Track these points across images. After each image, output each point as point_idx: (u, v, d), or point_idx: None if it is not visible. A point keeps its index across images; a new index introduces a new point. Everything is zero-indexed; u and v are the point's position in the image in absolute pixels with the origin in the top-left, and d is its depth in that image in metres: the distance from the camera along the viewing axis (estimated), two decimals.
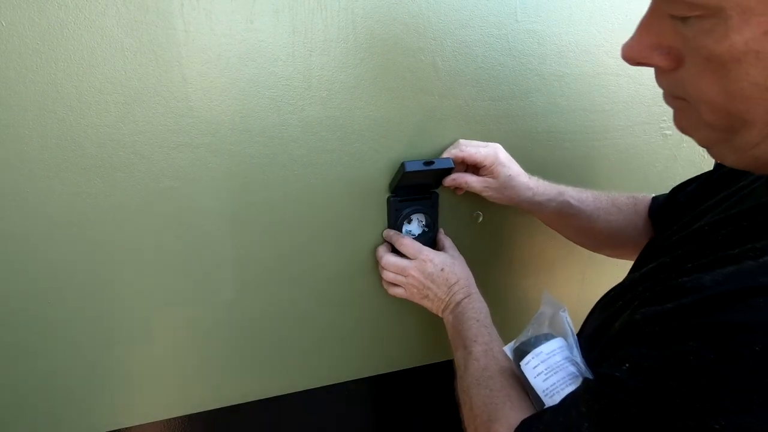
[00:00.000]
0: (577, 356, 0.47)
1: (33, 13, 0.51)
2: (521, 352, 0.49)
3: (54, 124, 0.55)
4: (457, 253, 0.73)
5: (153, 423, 0.71)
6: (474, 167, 0.72)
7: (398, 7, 0.64)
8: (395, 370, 0.84)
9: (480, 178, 0.71)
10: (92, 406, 0.67)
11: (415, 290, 0.70)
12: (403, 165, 0.67)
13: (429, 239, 0.75)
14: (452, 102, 0.71)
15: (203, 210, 0.64)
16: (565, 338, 0.48)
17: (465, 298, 0.66)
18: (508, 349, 0.52)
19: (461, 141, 0.72)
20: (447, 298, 0.68)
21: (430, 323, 0.79)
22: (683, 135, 0.40)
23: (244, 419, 0.78)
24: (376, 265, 0.75)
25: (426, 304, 0.71)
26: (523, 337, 0.50)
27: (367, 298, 0.77)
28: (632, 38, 0.37)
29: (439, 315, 0.69)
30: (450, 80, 0.70)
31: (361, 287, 0.76)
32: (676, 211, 0.62)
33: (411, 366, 0.85)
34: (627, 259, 0.75)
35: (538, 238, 0.84)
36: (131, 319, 0.65)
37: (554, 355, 0.47)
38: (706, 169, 0.60)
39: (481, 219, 0.80)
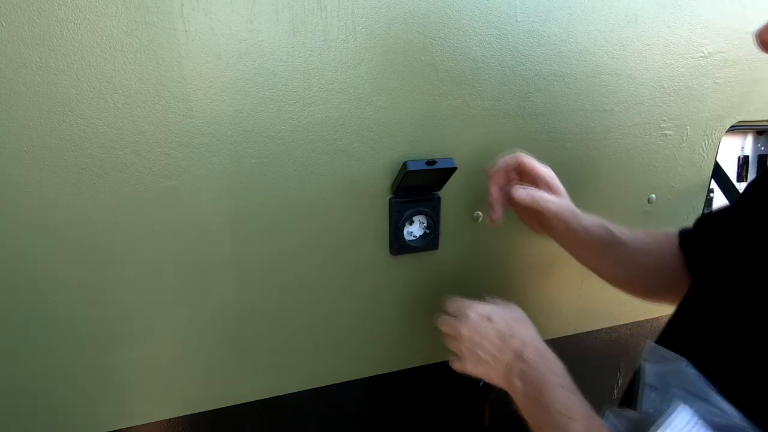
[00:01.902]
0: (724, 405, 0.40)
1: (33, 13, 0.51)
2: None
3: (54, 124, 0.55)
4: (513, 306, 0.63)
5: (153, 423, 0.71)
6: (530, 181, 0.69)
7: (398, 7, 0.64)
8: (395, 370, 0.83)
9: (555, 198, 0.66)
10: (92, 406, 0.67)
11: (468, 351, 0.59)
12: (405, 164, 0.67)
13: (431, 241, 0.75)
14: (452, 102, 0.71)
15: (203, 210, 0.64)
16: (697, 395, 0.42)
17: (528, 351, 0.55)
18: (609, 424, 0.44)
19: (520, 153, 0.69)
20: (506, 358, 0.56)
21: (430, 323, 0.79)
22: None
23: (244, 419, 0.78)
24: (376, 265, 0.75)
25: (482, 371, 0.59)
26: (634, 413, 0.43)
27: (366, 298, 0.77)
28: None
29: (502, 385, 0.57)
30: (450, 80, 0.70)
31: (360, 288, 0.76)
32: (709, 235, 0.61)
33: (411, 366, 0.84)
34: (658, 302, 0.71)
35: (538, 238, 0.84)
36: (131, 319, 0.65)
37: (691, 424, 0.40)
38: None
39: (481, 219, 0.80)
